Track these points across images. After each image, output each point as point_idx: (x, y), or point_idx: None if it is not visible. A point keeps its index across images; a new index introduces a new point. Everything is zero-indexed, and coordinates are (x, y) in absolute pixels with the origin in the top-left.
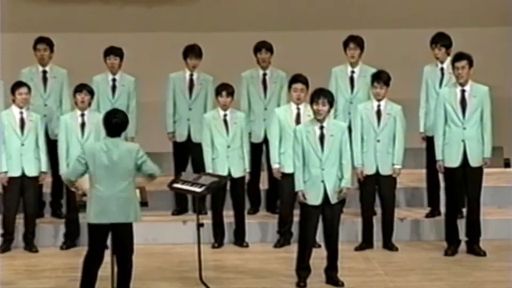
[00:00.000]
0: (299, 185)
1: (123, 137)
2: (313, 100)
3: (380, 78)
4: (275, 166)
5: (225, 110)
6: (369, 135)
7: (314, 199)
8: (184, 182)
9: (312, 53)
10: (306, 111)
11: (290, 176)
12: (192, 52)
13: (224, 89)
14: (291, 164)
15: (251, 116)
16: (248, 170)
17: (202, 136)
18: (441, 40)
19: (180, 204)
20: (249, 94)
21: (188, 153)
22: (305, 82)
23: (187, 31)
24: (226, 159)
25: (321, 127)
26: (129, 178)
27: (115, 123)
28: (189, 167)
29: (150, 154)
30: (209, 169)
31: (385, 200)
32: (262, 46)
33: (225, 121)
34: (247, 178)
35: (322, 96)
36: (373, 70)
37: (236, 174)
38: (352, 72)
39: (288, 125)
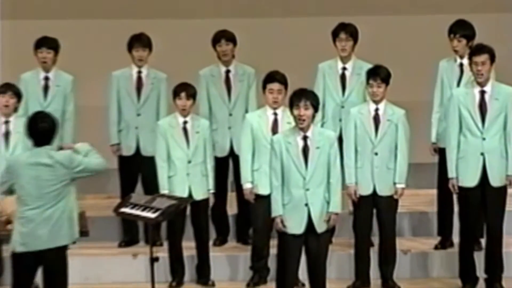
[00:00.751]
0: (277, 210)
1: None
2: (292, 103)
3: (377, 74)
4: (247, 186)
5: (184, 116)
6: (365, 146)
7: (295, 226)
8: (133, 206)
9: (292, 45)
10: (285, 117)
11: (266, 199)
12: (138, 41)
13: (184, 90)
14: (267, 184)
15: (213, 124)
16: (212, 190)
17: (155, 149)
18: (462, 30)
19: (129, 233)
20: (210, 97)
21: (137, 170)
22: (283, 81)
23: (135, 18)
24: (186, 177)
25: (305, 138)
26: (63, 194)
27: (42, 129)
28: (139, 187)
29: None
30: (164, 190)
31: (385, 227)
32: (221, 37)
33: (185, 130)
34: (211, 200)
35: (304, 98)
36: (370, 67)
37: (199, 195)
38: (344, 69)
39: (263, 134)
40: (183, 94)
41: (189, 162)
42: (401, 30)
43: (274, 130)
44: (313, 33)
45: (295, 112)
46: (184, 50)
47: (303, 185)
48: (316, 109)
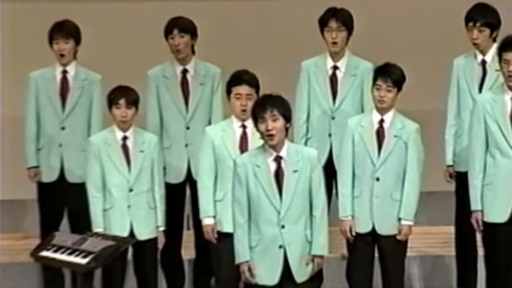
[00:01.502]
0: (242, 254)
1: None
2: (256, 116)
3: (388, 74)
4: (207, 221)
5: (124, 130)
6: (364, 169)
7: (267, 275)
8: (58, 248)
9: (268, 36)
10: None
11: (231, 238)
12: (60, 32)
13: (122, 95)
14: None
15: (164, 140)
16: (162, 228)
17: (86, 173)
18: (483, 17)
19: (53, 284)
20: (161, 104)
21: (62, 201)
22: (253, 83)
23: (59, 1)
24: (127, 210)
25: (278, 158)
26: None
27: None
28: (65, 224)
29: (4, 203)
30: (98, 227)
31: (389, 276)
32: (174, 26)
33: (125, 148)
34: (161, 241)
35: (269, 106)
36: (368, 65)
37: (143, 234)
38: (335, 68)
39: (228, 154)
40: (122, 101)
41: (131, 190)
42: (406, 17)
43: (243, 147)
44: (294, 21)
45: (261, 127)
46: (126, 42)
47: (277, 221)
48: (287, 119)
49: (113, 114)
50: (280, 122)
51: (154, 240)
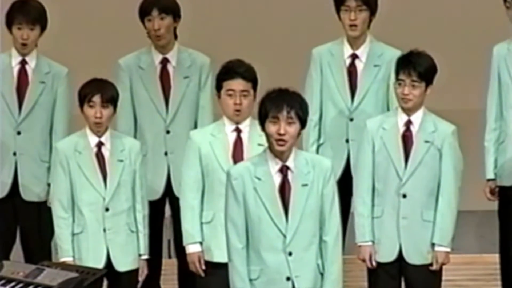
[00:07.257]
0: None
1: None
2: (266, 114)
3: (412, 65)
4: (191, 249)
5: (99, 134)
6: (387, 183)
7: None
8: (7, 282)
9: (267, 17)
10: (255, 135)
11: (224, 270)
12: (24, 14)
13: (98, 91)
14: (225, 245)
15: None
16: (146, 256)
17: (51, 189)
18: None
19: None
20: (135, 102)
21: (15, 222)
22: (249, 77)
23: None
24: (103, 234)
25: (284, 169)
26: None
27: None
28: (18, 250)
29: None
30: (66, 256)
31: None
32: (153, 5)
33: (100, 157)
34: (143, 272)
35: (286, 104)
36: (396, 53)
37: (123, 265)
38: (354, 57)
39: (219, 164)
40: (96, 98)
41: (107, 210)
42: None
43: (237, 156)
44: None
45: (272, 128)
46: (94, 27)
47: (283, 247)
48: (303, 123)
49: (85, 114)
50: (296, 126)
51: (134, 272)
